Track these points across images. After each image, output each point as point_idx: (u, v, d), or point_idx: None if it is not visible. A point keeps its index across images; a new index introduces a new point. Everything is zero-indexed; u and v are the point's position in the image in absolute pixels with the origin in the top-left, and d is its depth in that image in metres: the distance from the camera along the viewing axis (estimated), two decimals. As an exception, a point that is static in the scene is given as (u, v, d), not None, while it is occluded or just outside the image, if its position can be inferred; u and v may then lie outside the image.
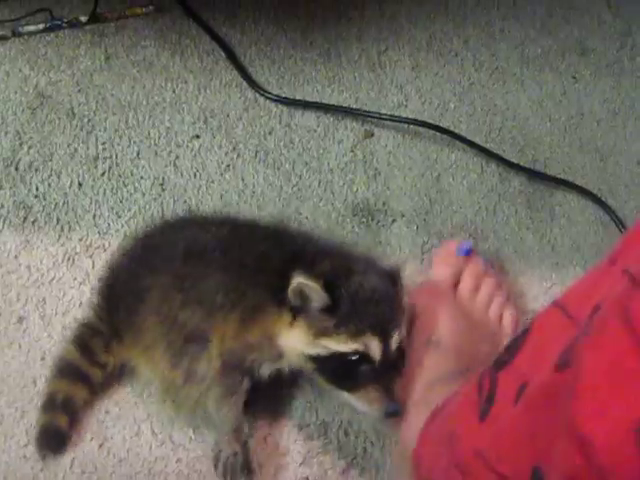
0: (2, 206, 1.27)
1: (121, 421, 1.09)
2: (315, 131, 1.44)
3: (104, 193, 1.30)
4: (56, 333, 1.15)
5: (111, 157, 1.35)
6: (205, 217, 1.23)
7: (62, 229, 1.25)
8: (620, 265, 0.68)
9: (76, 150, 1.35)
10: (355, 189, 1.37)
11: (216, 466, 1.05)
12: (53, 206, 1.28)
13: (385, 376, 0.99)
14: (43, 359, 1.13)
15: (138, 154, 1.36)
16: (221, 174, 1.35)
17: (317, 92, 1.50)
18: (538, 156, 1.46)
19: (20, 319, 1.16)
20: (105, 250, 1.23)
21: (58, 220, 1.26)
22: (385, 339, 0.98)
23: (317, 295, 0.96)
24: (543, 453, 0.69)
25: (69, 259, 1.22)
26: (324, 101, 1.49)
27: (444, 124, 1.47)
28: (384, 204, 1.35)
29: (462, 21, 1.67)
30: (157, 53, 1.51)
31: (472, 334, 1.14)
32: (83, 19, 1.53)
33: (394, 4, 1.68)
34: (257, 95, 1.47)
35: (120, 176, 1.33)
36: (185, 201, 1.30)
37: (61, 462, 1.05)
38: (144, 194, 1.31)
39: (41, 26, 1.52)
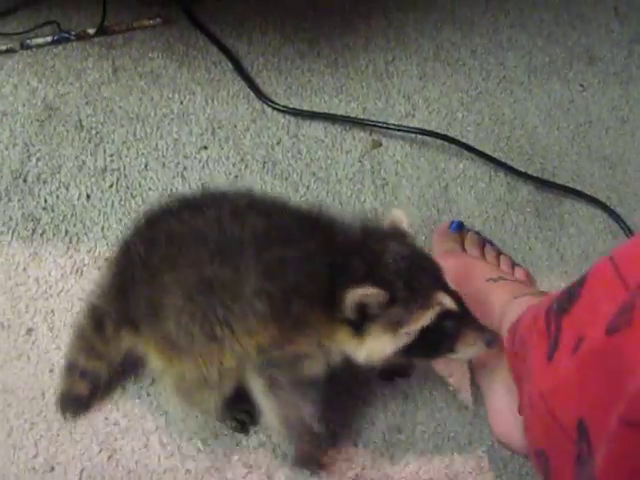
0: (11, 218, 1.27)
1: (130, 433, 1.09)
2: (323, 141, 1.44)
3: (112, 205, 1.30)
4: (64, 345, 1.15)
5: (119, 169, 1.35)
6: (228, 195, 1.08)
7: (70, 241, 1.26)
8: None
9: (84, 162, 1.35)
10: (363, 199, 1.36)
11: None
12: (61, 218, 1.28)
13: (466, 315, 0.99)
14: (52, 371, 1.13)
15: (146, 166, 1.36)
16: (229, 185, 1.34)
17: (324, 102, 1.50)
18: (546, 165, 1.46)
19: (29, 331, 1.16)
20: (113, 262, 1.23)
21: (66, 232, 1.27)
22: (447, 288, 0.98)
23: (375, 296, 0.93)
24: (589, 408, 0.72)
25: (77, 271, 1.22)
26: (332, 111, 1.49)
27: (452, 133, 1.47)
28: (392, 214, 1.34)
29: (469, 30, 1.67)
30: (165, 65, 1.52)
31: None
32: (91, 32, 1.54)
33: (401, 14, 1.68)
34: (264, 106, 1.47)
35: (128, 188, 1.33)
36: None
37: (69, 473, 1.05)
38: (152, 206, 1.30)
39: (49, 39, 1.52)
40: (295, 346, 0.97)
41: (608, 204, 1.40)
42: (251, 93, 1.48)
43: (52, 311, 1.18)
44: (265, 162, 1.39)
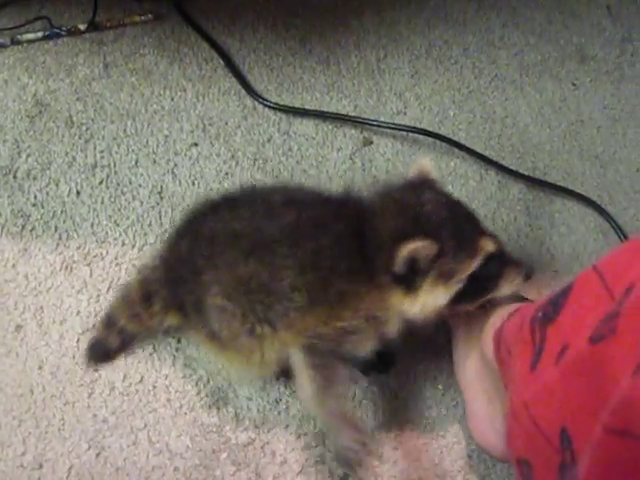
0: (0, 214, 1.27)
1: (118, 430, 1.09)
2: (314, 139, 1.43)
3: (102, 201, 1.30)
4: (53, 342, 1.15)
5: (109, 165, 1.34)
6: (264, 191, 1.11)
7: (60, 237, 1.25)
8: None
9: (74, 158, 1.35)
10: (354, 197, 1.36)
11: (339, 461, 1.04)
12: (51, 214, 1.28)
13: (505, 255, 1.05)
14: (40, 368, 1.13)
15: (136, 162, 1.35)
16: (219, 182, 1.34)
17: (316, 100, 1.50)
18: (537, 163, 1.46)
19: (18, 327, 1.16)
20: (103, 258, 1.23)
21: (56, 228, 1.26)
22: (486, 232, 1.04)
23: (426, 248, 0.95)
24: (572, 417, 0.72)
25: (67, 267, 1.22)
26: (323, 109, 1.48)
27: (443, 132, 1.46)
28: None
29: (462, 28, 1.66)
30: (156, 61, 1.51)
31: None
32: (82, 27, 1.53)
33: (393, 11, 1.68)
34: (256, 103, 1.46)
35: (118, 184, 1.32)
36: (183, 209, 1.29)
37: (57, 471, 1.05)
38: (142, 202, 1.30)
39: (40, 34, 1.51)
40: (341, 322, 0.98)
41: (599, 203, 1.40)
42: (242, 90, 1.47)
43: (41, 308, 1.18)
44: (256, 159, 1.39)
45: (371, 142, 1.44)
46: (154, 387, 1.13)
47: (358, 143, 1.44)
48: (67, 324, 1.17)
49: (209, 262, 1.02)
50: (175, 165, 1.36)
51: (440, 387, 1.16)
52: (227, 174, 1.36)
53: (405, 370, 1.17)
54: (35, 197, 1.29)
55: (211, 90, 1.48)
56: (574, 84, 1.61)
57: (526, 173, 1.43)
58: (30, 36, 1.51)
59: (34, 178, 1.32)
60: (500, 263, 1.03)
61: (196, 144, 1.39)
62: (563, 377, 0.73)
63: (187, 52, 1.54)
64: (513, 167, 1.43)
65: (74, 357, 1.14)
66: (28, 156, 1.34)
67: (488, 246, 1.01)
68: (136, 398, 1.12)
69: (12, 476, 1.04)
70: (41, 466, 1.06)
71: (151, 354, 1.15)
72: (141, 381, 1.13)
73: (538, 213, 1.38)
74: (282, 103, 1.47)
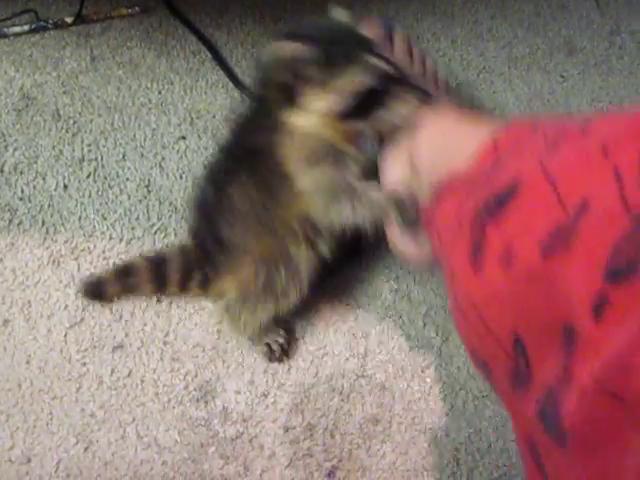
0: (-13, 209, 1.26)
1: (106, 424, 1.09)
2: (302, 132, 1.43)
3: (89, 195, 1.30)
4: (41, 336, 1.15)
5: (97, 159, 1.34)
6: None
7: (47, 232, 1.25)
8: (612, 161, 0.67)
9: (61, 152, 1.34)
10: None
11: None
12: (38, 208, 1.27)
13: (401, 77, 1.05)
14: (28, 362, 1.13)
15: (124, 156, 1.35)
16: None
17: (304, 93, 1.49)
18: (525, 156, 1.46)
19: (5, 322, 1.16)
20: (90, 252, 1.23)
21: (43, 222, 1.26)
22: (378, 54, 1.02)
23: (308, 52, 0.98)
24: (526, 326, 0.71)
25: (54, 262, 1.22)
26: (310, 101, 1.47)
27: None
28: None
29: (450, 21, 1.66)
30: (143, 54, 1.51)
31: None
32: (69, 20, 1.52)
33: (381, 4, 1.68)
34: (243, 96, 1.46)
35: (106, 178, 1.32)
36: (171, 203, 1.29)
37: (46, 465, 1.05)
38: (130, 196, 1.30)
39: (26, 27, 1.51)
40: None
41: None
42: (230, 83, 1.47)
43: (29, 302, 1.18)
44: (244, 152, 1.38)
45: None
46: (142, 381, 1.13)
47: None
48: (55, 318, 1.17)
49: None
50: (163, 158, 1.35)
51: (428, 380, 1.16)
52: (215, 167, 1.36)
53: (391, 361, 1.17)
54: (22, 191, 1.29)
55: (199, 83, 1.47)
56: (562, 76, 1.61)
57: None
58: (17, 29, 1.50)
59: (21, 172, 1.31)
60: (392, 83, 1.02)
61: (184, 137, 1.39)
62: (513, 284, 0.71)
63: (174, 45, 1.53)
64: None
65: (62, 351, 1.14)
66: (15, 150, 1.34)
67: (375, 61, 1.01)
68: (124, 392, 1.12)
69: (0, 470, 1.04)
70: (29, 460, 1.06)
71: (139, 348, 1.15)
72: (129, 375, 1.13)
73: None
74: (269, 96, 1.46)
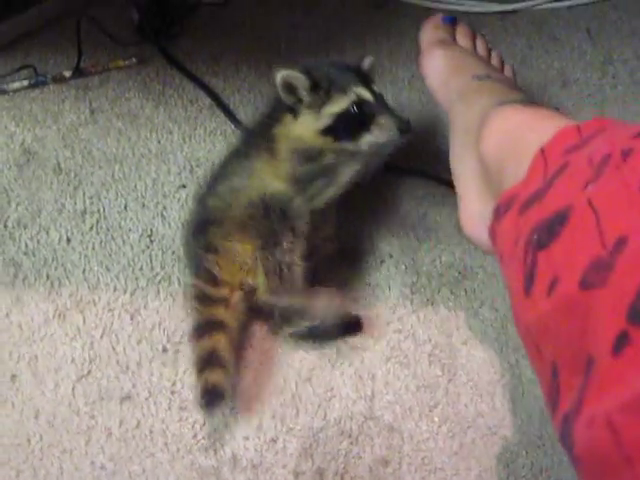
0: (-8, 264, 1.28)
1: (116, 476, 1.09)
2: (301, 175, 1.44)
3: (93, 247, 1.31)
4: (49, 390, 1.15)
5: (99, 211, 1.35)
6: None
7: (52, 285, 1.26)
8: None
9: (64, 205, 1.36)
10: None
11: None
12: (42, 262, 1.28)
13: (384, 107, 1.20)
14: (37, 417, 1.13)
15: (125, 207, 1.36)
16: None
17: (302, 136, 1.50)
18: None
19: (12, 377, 1.16)
20: (95, 305, 1.24)
21: (48, 276, 1.27)
22: (367, 84, 1.21)
23: (299, 79, 1.16)
24: (559, 353, 0.73)
25: (60, 315, 1.23)
26: (309, 145, 1.48)
27: (429, 163, 1.47)
28: (372, 245, 1.35)
29: (443, 59, 1.67)
30: (141, 104, 1.52)
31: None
32: (67, 74, 1.55)
33: (375, 44, 1.70)
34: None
35: (108, 229, 1.33)
36: (174, 252, 1.30)
37: (57, 521, 1.05)
38: (132, 247, 1.31)
39: (26, 82, 1.53)
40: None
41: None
42: (228, 130, 1.48)
43: (36, 357, 1.18)
44: (244, 198, 1.39)
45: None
46: (151, 432, 1.13)
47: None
48: (62, 372, 1.17)
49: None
50: (164, 208, 1.37)
51: (436, 419, 1.16)
52: (216, 214, 1.37)
53: (398, 399, 1.17)
54: (26, 245, 1.30)
55: (197, 131, 1.49)
56: (557, 108, 1.61)
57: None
58: (16, 85, 1.53)
59: (24, 227, 1.32)
60: (376, 111, 1.19)
61: (184, 186, 1.40)
62: (554, 312, 0.73)
63: (172, 94, 1.55)
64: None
65: (70, 405, 1.15)
66: (18, 205, 1.35)
67: (362, 92, 1.19)
68: (133, 443, 1.12)
69: (12, 527, 1.05)
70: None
71: (147, 398, 1.15)
72: (138, 426, 1.13)
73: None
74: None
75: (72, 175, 1.40)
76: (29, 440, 1.11)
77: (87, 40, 1.60)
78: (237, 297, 1.19)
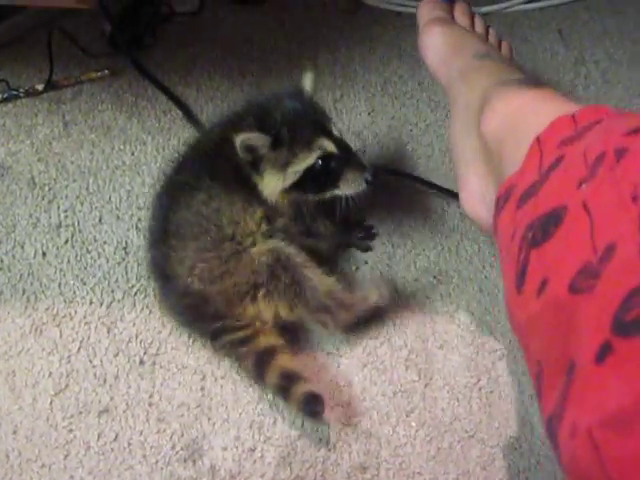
0: (-33, 281, 1.27)
1: (95, 490, 1.09)
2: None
3: (68, 261, 1.31)
4: (27, 405, 1.15)
5: (73, 224, 1.36)
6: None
7: (28, 300, 1.26)
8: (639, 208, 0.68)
9: (39, 219, 1.36)
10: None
11: None
12: (18, 277, 1.29)
13: (350, 159, 1.19)
14: (15, 432, 1.13)
15: (100, 219, 1.36)
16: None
17: (275, 144, 1.51)
18: (498, 192, 1.47)
19: (-10, 393, 1.16)
20: (72, 318, 1.24)
21: (24, 291, 1.27)
22: (329, 135, 1.18)
23: (258, 139, 1.13)
24: (545, 354, 0.74)
25: (36, 330, 1.23)
26: (283, 152, 1.49)
27: (402, 167, 1.48)
28: (347, 251, 1.36)
29: (416, 63, 1.68)
30: (114, 116, 1.53)
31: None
32: (39, 87, 1.55)
33: (347, 51, 1.70)
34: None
35: (83, 243, 1.33)
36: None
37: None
38: (108, 259, 1.31)
39: (-2, 97, 1.53)
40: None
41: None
42: (201, 140, 1.49)
43: (13, 372, 1.18)
44: (218, 207, 1.40)
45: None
46: (129, 444, 1.13)
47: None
48: (39, 387, 1.17)
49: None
50: (139, 219, 1.37)
51: (413, 424, 1.17)
52: (191, 225, 1.37)
53: (376, 405, 1.18)
54: (1, 261, 1.30)
55: (171, 142, 1.49)
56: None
57: (487, 203, 1.43)
58: (-12, 100, 1.53)
59: (-1, 242, 1.33)
60: (341, 164, 1.18)
61: (158, 197, 1.40)
62: (543, 313, 0.74)
63: (145, 105, 1.55)
64: (473, 198, 1.43)
65: (48, 419, 1.15)
66: (-8, 220, 1.35)
67: (327, 146, 1.16)
68: (112, 456, 1.12)
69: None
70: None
71: (124, 411, 1.16)
72: (116, 439, 1.13)
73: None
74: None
75: (46, 189, 1.40)
76: (7, 456, 1.11)
77: (59, 53, 1.60)
78: (262, 324, 1.19)
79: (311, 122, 1.18)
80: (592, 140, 0.80)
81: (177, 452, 1.13)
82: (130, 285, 1.28)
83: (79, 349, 1.21)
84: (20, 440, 1.13)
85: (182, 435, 1.14)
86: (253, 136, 1.13)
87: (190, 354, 1.21)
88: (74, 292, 1.27)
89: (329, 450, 1.13)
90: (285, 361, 1.16)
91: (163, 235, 1.19)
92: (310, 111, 1.20)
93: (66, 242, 1.33)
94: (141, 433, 1.14)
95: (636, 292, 0.62)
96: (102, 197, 1.40)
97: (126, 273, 1.30)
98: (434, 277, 1.33)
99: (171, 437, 1.14)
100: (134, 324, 1.24)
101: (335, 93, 1.61)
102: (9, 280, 1.28)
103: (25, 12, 1.65)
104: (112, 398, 1.17)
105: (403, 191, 1.45)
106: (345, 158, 1.18)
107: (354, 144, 1.52)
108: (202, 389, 1.18)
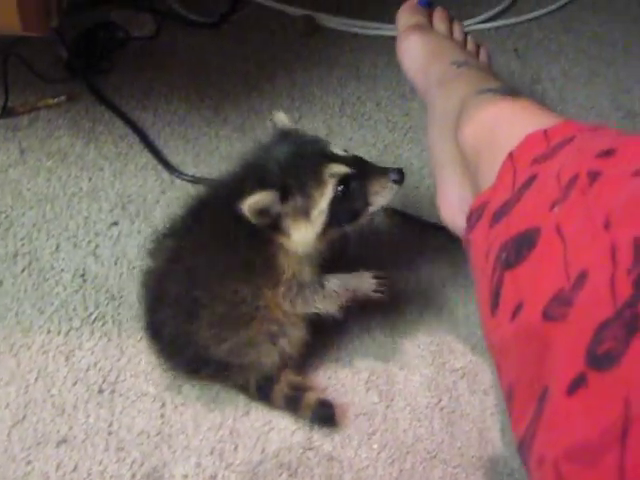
0: None
1: (54, 522, 1.08)
2: (234, 207, 1.44)
3: (25, 290, 1.30)
4: (-12, 436, 1.14)
5: (30, 252, 1.34)
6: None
7: (-16, 330, 1.25)
8: (611, 236, 0.68)
9: (-5, 248, 1.35)
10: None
11: None
12: (-25, 307, 1.27)
13: (367, 171, 1.11)
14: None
15: (57, 247, 1.35)
16: (142, 259, 1.33)
17: (234, 167, 1.51)
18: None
19: (-53, 427, 1.15)
20: (29, 348, 1.22)
21: (-20, 321, 1.26)
22: (336, 158, 1.09)
23: (264, 197, 1.03)
24: (516, 378, 0.74)
25: (-7, 359, 1.21)
26: (241, 176, 1.48)
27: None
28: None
29: (373, 83, 1.69)
30: (71, 143, 1.52)
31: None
32: (-5, 114, 1.54)
33: (305, 73, 1.71)
34: (173, 177, 1.47)
35: (40, 271, 1.32)
36: (107, 290, 1.30)
37: None
38: (65, 287, 1.30)
39: (-47, 125, 1.52)
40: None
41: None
42: (159, 165, 1.48)
43: (-30, 403, 1.17)
44: (177, 233, 1.39)
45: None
46: (89, 474, 1.12)
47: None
48: (-4, 417, 1.16)
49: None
50: (97, 246, 1.36)
51: (375, 446, 1.16)
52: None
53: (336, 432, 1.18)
54: (-42, 291, 1.29)
55: (128, 167, 1.48)
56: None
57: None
58: (-57, 128, 1.51)
59: (-45, 272, 1.31)
60: (362, 179, 1.09)
61: (116, 223, 1.39)
62: (516, 338, 0.74)
63: (102, 131, 1.55)
64: (434, 219, 1.42)
65: (6, 451, 1.13)
66: (-52, 250, 1.34)
67: (337, 170, 1.08)
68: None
69: None
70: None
71: (83, 441, 1.14)
72: (75, 469, 1.12)
73: (461, 262, 1.38)
74: (199, 175, 1.48)
75: (2, 217, 1.39)
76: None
77: (15, 79, 1.59)
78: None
79: (310, 155, 1.09)
80: (565, 160, 0.80)
81: (137, 481, 1.12)
82: (88, 313, 1.27)
83: (37, 379, 1.20)
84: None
85: (142, 464, 1.13)
86: (258, 197, 1.03)
87: (149, 381, 1.20)
88: (31, 321, 1.26)
89: (290, 475, 1.12)
90: (290, 375, 1.18)
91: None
92: (303, 145, 1.12)
93: (23, 271, 1.32)
94: (100, 462, 1.13)
95: (607, 324, 0.62)
96: (59, 224, 1.39)
97: (84, 301, 1.29)
98: (394, 298, 1.33)
99: (131, 466, 1.12)
100: (92, 352, 1.23)
101: (294, 114, 1.61)
102: (-35, 310, 1.27)
103: (-21, 39, 1.65)
104: (71, 428, 1.16)
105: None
106: (362, 172, 1.10)
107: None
108: (162, 416, 1.17)
